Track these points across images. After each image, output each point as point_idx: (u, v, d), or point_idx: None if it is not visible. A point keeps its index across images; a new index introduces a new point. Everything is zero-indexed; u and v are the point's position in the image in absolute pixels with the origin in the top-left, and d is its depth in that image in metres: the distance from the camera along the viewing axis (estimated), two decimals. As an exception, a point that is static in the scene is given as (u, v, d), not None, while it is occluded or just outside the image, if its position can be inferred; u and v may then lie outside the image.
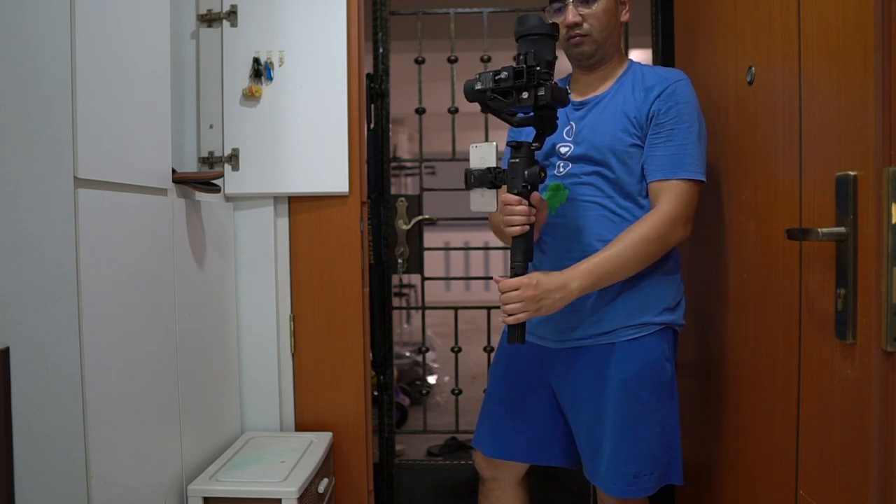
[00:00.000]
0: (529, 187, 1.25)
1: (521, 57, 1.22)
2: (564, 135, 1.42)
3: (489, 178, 1.27)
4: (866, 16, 0.91)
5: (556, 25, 1.30)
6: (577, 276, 1.28)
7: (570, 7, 1.37)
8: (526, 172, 1.24)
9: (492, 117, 2.17)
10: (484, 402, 1.56)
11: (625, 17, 1.43)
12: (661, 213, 1.32)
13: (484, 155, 1.28)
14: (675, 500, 1.86)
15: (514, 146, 1.28)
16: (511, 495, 1.57)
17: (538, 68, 1.20)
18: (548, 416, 1.48)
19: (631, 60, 1.47)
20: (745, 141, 1.37)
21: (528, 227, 1.26)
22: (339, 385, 1.82)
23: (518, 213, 1.25)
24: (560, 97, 1.21)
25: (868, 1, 0.90)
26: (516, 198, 1.25)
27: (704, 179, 1.35)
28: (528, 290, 1.24)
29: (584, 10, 1.36)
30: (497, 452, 1.51)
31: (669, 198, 1.32)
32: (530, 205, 1.26)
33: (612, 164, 1.36)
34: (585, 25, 1.37)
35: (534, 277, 1.26)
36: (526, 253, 1.27)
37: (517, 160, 1.26)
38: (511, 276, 1.27)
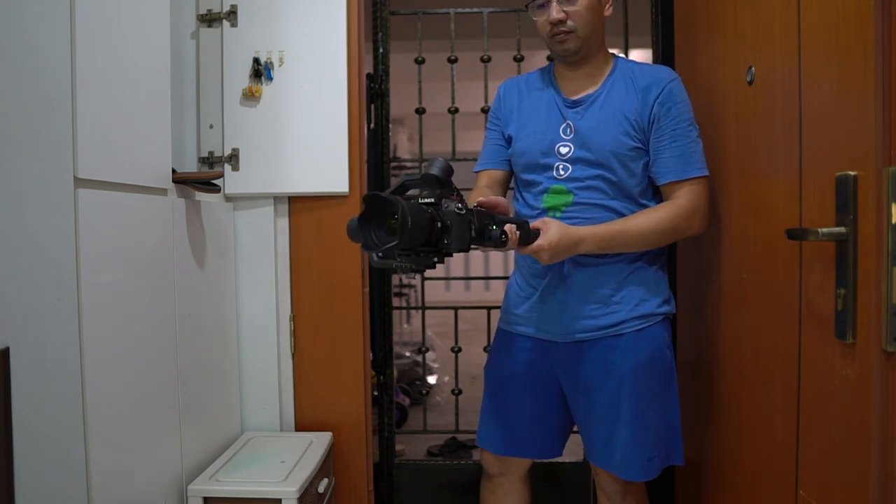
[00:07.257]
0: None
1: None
2: (562, 133, 1.42)
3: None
4: (866, 15, 0.91)
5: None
6: (588, 241, 1.30)
7: (554, 4, 1.36)
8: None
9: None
10: (484, 400, 1.57)
11: (608, 11, 1.43)
12: (677, 205, 1.36)
13: None
14: (676, 500, 1.86)
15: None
16: (517, 488, 1.58)
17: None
18: (552, 411, 1.50)
19: (615, 55, 1.48)
20: (745, 141, 1.37)
21: (515, 232, 1.20)
22: (339, 385, 1.82)
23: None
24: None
25: (868, 1, 0.90)
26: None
27: (708, 174, 1.39)
28: (543, 254, 1.25)
29: (568, 7, 1.36)
30: (507, 450, 1.53)
31: (685, 194, 1.36)
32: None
33: (614, 167, 1.38)
34: (570, 22, 1.37)
35: (553, 238, 1.24)
36: (520, 226, 1.22)
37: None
38: (522, 240, 1.23)
